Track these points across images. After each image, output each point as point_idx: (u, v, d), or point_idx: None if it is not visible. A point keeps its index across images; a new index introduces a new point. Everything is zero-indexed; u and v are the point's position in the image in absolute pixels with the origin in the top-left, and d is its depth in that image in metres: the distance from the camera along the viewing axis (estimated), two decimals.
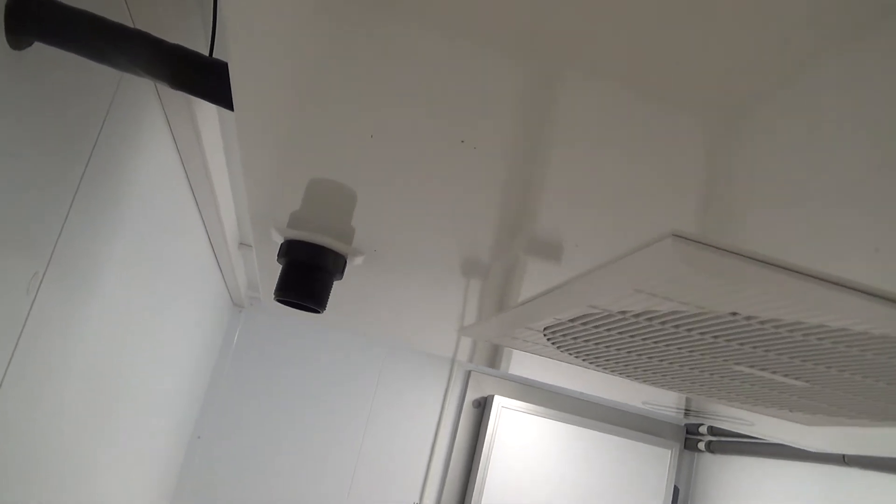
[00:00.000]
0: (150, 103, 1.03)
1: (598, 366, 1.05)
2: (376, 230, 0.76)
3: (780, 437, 1.40)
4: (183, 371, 1.96)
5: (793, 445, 1.46)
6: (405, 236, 0.75)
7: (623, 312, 0.71)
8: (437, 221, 0.68)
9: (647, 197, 0.50)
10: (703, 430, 2.95)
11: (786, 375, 0.81)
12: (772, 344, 0.69)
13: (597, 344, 0.90)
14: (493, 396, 2.84)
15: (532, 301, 0.81)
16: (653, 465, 2.96)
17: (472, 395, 2.89)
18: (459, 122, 0.47)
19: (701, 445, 2.95)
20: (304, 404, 2.70)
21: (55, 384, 0.92)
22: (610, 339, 0.84)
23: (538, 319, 0.86)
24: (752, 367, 0.80)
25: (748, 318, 0.62)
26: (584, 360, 1.03)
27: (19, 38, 0.65)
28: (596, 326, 0.81)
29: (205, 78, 0.73)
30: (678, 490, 3.01)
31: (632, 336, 0.81)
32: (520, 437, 2.82)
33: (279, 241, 0.88)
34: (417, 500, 2.77)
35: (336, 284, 0.95)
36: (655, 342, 0.80)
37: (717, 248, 0.50)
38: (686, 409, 1.51)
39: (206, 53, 0.83)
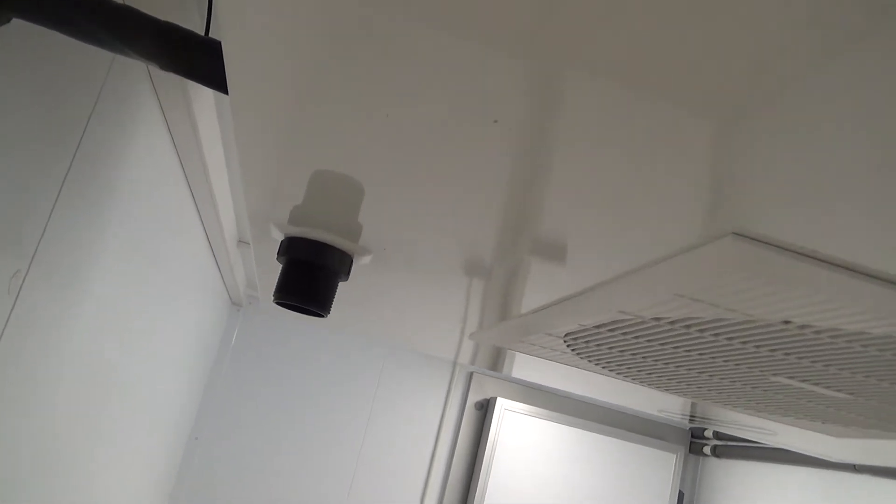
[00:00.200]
0: (144, 91, 1.00)
1: (618, 373, 0.99)
2: (387, 227, 0.69)
3: (804, 447, 1.34)
4: (180, 372, 1.94)
5: (814, 455, 1.40)
6: (419, 234, 0.68)
7: (657, 319, 0.65)
8: (457, 217, 0.62)
9: (690, 196, 0.44)
10: (708, 433, 2.92)
11: (828, 387, 0.75)
12: (821, 355, 0.63)
13: (621, 351, 0.83)
14: (495, 398, 2.81)
15: (555, 305, 0.74)
16: (657, 469, 2.93)
17: (474, 397, 2.87)
18: (490, 99, 0.41)
19: (706, 449, 2.94)
20: (303, 405, 2.67)
21: (44, 387, 0.89)
22: (637, 346, 0.78)
23: (560, 325, 0.79)
24: (792, 378, 0.74)
25: (802, 327, 0.56)
26: (603, 367, 0.97)
27: None
28: (623, 333, 0.74)
29: (200, 59, 0.67)
30: (683, 495, 2.98)
31: (662, 344, 0.74)
32: (523, 439, 2.80)
33: (279, 238, 0.81)
34: None
35: (340, 286, 0.89)
36: (688, 351, 0.74)
37: (785, 248, 0.44)
38: (704, 418, 1.45)
39: (202, 32, 0.77)
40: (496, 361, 1.59)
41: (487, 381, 2.88)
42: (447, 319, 1.07)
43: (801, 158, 0.37)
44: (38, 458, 0.93)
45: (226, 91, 0.69)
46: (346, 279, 0.78)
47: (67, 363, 0.96)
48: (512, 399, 2.83)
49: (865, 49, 0.28)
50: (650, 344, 0.75)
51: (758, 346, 0.66)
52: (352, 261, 0.78)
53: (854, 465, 2.19)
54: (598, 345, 0.84)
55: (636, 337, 0.74)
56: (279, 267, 0.83)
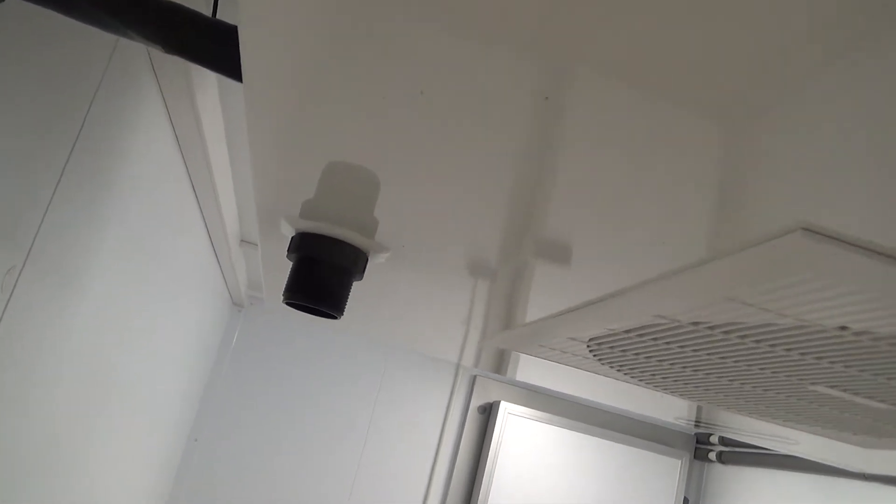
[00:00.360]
0: (146, 82, 0.99)
1: (640, 380, 0.94)
2: (406, 221, 0.65)
3: (826, 457, 1.30)
4: (179, 372, 1.93)
5: (836, 466, 1.36)
6: (442, 229, 0.64)
7: (696, 324, 0.61)
8: (482, 210, 0.57)
9: (756, 189, 0.40)
10: (713, 439, 2.89)
11: (871, 398, 0.70)
12: (873, 364, 0.58)
13: (647, 358, 0.79)
14: (499, 402, 2.79)
15: (583, 308, 0.70)
16: (662, 475, 2.91)
17: (477, 401, 2.85)
18: (543, 69, 0.37)
19: (712, 455, 2.92)
20: (303, 408, 2.65)
21: (40, 387, 0.88)
22: (666, 352, 0.74)
23: (587, 329, 0.75)
24: (833, 387, 0.70)
25: (859, 333, 0.52)
26: (625, 373, 0.92)
27: None
28: (654, 339, 0.70)
29: (208, 42, 0.62)
30: (687, 501, 2.96)
31: (695, 350, 0.70)
32: (526, 444, 2.77)
33: (290, 233, 0.76)
34: None
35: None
36: (722, 358, 0.70)
37: (858, 245, 0.39)
38: (719, 425, 1.41)
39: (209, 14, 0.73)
40: (500, 364, 1.56)
41: (491, 384, 2.86)
42: (461, 322, 1.03)
43: (876, 145, 0.33)
44: (34, 459, 0.91)
45: (237, 77, 0.65)
46: (361, 278, 0.74)
47: (65, 363, 0.93)
48: (515, 403, 2.82)
49: None
50: (682, 350, 0.71)
51: (803, 354, 0.61)
52: (367, 259, 0.74)
53: (864, 473, 2.15)
54: (623, 350, 0.79)
55: (667, 343, 0.70)
56: (288, 265, 0.79)
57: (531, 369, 1.44)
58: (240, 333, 2.64)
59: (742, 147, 0.38)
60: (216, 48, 0.63)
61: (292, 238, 0.75)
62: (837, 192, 0.38)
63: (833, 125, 0.33)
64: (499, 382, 2.87)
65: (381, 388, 2.73)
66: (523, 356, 1.20)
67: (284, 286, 0.73)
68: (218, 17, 0.78)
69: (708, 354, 0.70)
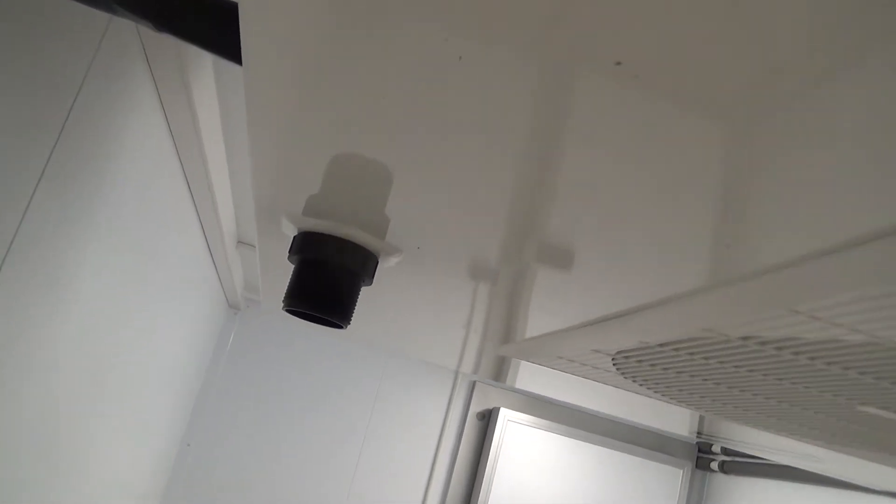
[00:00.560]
0: (139, 71, 0.92)
1: (664, 395, 0.88)
2: (420, 221, 0.58)
3: (852, 476, 1.24)
4: (173, 376, 1.89)
5: (861, 485, 1.31)
6: (463, 228, 0.57)
7: (746, 339, 0.54)
8: (507, 206, 0.51)
9: (844, 186, 0.34)
10: (716, 448, 2.86)
11: None
12: None
13: (679, 373, 0.73)
14: (498, 409, 2.75)
15: (616, 318, 0.64)
16: (663, 484, 2.88)
17: (476, 407, 2.82)
18: (604, 37, 0.30)
19: (714, 465, 2.90)
20: (300, 413, 2.61)
21: (29, 392, 0.85)
22: (704, 368, 0.67)
23: (616, 341, 0.69)
24: (885, 408, 0.64)
25: None
26: (648, 388, 0.86)
27: None
28: (691, 353, 0.64)
29: (202, 17, 0.56)
30: None
31: (736, 367, 0.64)
32: (526, 451, 2.74)
33: (291, 232, 0.70)
34: None
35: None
36: (765, 375, 0.64)
37: None
38: (735, 440, 1.36)
39: None
40: (499, 372, 1.52)
41: (490, 390, 2.84)
42: (476, 331, 0.97)
43: None
44: (22, 465, 0.90)
45: (236, 59, 0.59)
46: (370, 283, 0.67)
47: (49, 367, 0.91)
48: (515, 410, 2.78)
49: None
50: (721, 366, 0.65)
51: (861, 373, 0.55)
52: (377, 261, 0.67)
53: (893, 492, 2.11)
54: (652, 364, 0.73)
55: (706, 358, 0.64)
56: (289, 268, 0.73)
57: (530, 377, 1.41)
58: (235, 336, 2.60)
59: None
60: (213, 27, 0.57)
61: (294, 238, 0.68)
62: None
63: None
64: (498, 389, 2.84)
65: (378, 393, 2.69)
66: (533, 365, 1.15)
67: (285, 291, 0.67)
68: None
69: (749, 371, 0.64)
